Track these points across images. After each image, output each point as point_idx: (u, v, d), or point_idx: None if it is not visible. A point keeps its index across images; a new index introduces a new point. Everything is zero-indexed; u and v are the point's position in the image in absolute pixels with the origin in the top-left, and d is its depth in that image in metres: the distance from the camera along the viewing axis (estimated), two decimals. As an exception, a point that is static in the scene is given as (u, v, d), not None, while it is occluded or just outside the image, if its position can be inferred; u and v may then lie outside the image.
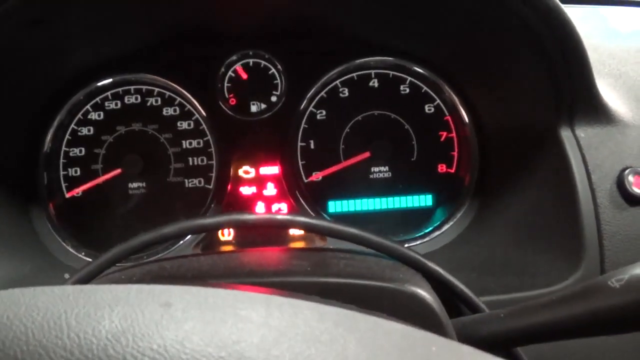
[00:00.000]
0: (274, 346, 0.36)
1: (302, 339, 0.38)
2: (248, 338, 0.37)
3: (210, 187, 1.35)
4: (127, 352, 0.35)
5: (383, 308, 0.70)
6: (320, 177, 1.37)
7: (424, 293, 0.74)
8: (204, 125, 1.36)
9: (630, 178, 1.05)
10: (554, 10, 1.01)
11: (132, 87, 1.35)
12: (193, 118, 1.36)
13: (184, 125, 1.35)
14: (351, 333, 0.40)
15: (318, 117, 1.37)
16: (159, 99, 1.36)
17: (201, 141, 1.36)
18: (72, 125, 1.34)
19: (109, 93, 1.35)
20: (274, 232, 1.30)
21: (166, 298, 0.40)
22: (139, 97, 1.35)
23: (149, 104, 1.35)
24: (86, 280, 0.80)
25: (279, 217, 0.89)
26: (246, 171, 1.35)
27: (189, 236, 1.31)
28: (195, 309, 0.40)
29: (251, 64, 1.37)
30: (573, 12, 1.04)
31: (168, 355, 0.34)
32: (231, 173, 1.36)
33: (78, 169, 1.34)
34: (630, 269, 0.66)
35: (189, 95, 1.35)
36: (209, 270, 0.79)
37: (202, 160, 1.35)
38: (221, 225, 0.86)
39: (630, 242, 1.04)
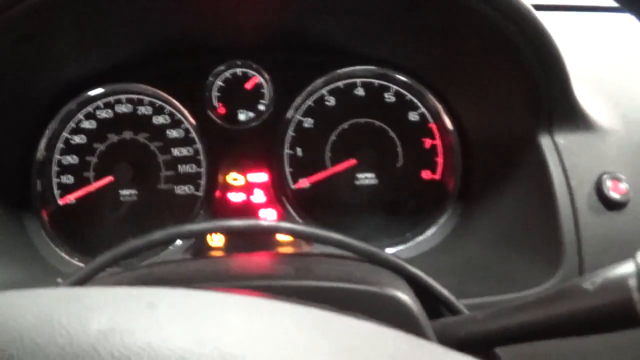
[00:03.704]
0: (253, 343, 0.38)
1: (279, 338, 0.40)
2: (228, 336, 0.39)
3: (200, 194, 1.38)
4: (115, 348, 0.37)
5: (364, 310, 0.72)
6: (307, 184, 1.39)
7: (404, 296, 0.76)
8: (193, 134, 1.38)
9: (608, 183, 1.08)
10: (530, 20, 1.03)
11: (123, 96, 1.38)
12: (183, 126, 1.38)
13: (173, 133, 1.38)
14: (325, 332, 0.42)
15: (305, 125, 1.40)
16: (150, 108, 1.38)
17: (191, 149, 1.38)
18: (65, 134, 1.36)
19: (100, 102, 1.37)
20: (262, 238, 1.32)
21: (151, 299, 0.43)
22: (130, 106, 1.38)
23: (139, 112, 1.38)
24: (77, 284, 0.82)
25: (265, 223, 0.91)
26: (235, 178, 1.38)
27: (178, 242, 1.33)
28: (178, 310, 0.42)
29: (239, 73, 1.39)
30: (551, 19, 1.06)
31: (153, 352, 0.37)
32: (220, 180, 1.38)
33: (71, 177, 1.36)
34: (604, 272, 0.68)
35: (178, 105, 1.38)
36: (196, 275, 0.81)
37: (192, 168, 1.38)
38: (209, 231, 0.89)
39: (608, 246, 1.06)
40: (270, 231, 0.90)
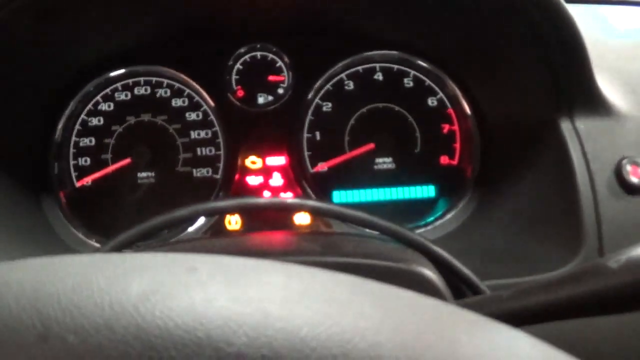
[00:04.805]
0: (296, 304, 0.39)
1: (321, 299, 0.40)
2: (271, 297, 0.39)
3: (218, 177, 1.37)
4: (157, 308, 0.37)
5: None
6: (325, 168, 1.39)
7: (430, 273, 0.76)
8: (212, 116, 1.38)
9: (628, 167, 1.08)
10: (555, 5, 1.03)
11: (142, 79, 1.38)
12: (201, 109, 1.38)
13: (192, 116, 1.38)
14: (366, 295, 0.42)
15: (324, 109, 1.40)
16: (168, 90, 1.38)
17: (209, 132, 1.38)
18: (82, 116, 1.36)
19: (119, 84, 1.37)
20: (281, 219, 1.32)
21: (191, 264, 0.43)
22: (148, 88, 1.38)
23: (158, 95, 1.38)
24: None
25: (289, 200, 0.91)
26: (253, 161, 1.38)
27: (196, 224, 1.33)
28: (219, 273, 0.42)
29: (259, 56, 1.39)
30: (573, 10, 1.06)
31: (196, 312, 0.37)
32: (238, 163, 1.38)
33: (88, 159, 1.36)
34: (628, 250, 0.68)
35: (197, 87, 1.38)
36: (222, 252, 0.81)
37: (210, 151, 1.38)
38: (233, 208, 0.89)
39: (628, 229, 1.06)
40: (295, 208, 0.90)
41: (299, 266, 0.46)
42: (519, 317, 0.77)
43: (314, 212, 0.91)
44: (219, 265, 0.44)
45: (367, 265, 0.76)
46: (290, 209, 0.90)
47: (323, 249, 0.81)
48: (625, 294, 0.66)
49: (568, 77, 1.11)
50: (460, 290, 0.90)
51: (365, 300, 0.41)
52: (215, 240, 0.88)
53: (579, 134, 1.12)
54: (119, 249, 0.84)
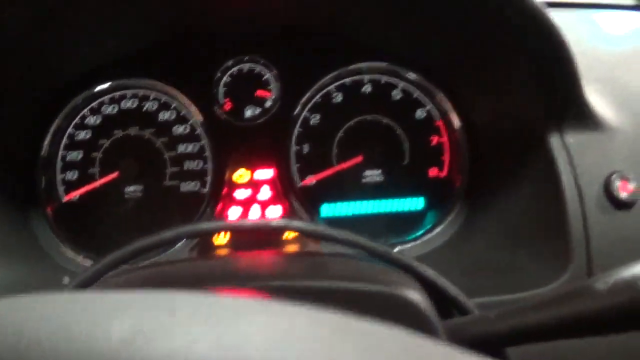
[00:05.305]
0: (278, 349, 0.38)
1: (302, 342, 0.40)
2: (253, 341, 0.39)
3: (206, 190, 1.37)
4: (137, 355, 0.36)
5: (375, 310, 0.72)
6: (314, 181, 1.38)
7: (415, 295, 0.76)
8: (199, 130, 1.37)
9: (617, 182, 1.08)
10: (542, 17, 1.03)
11: (128, 92, 1.37)
12: (189, 122, 1.37)
13: (179, 129, 1.37)
14: (347, 335, 0.42)
15: (312, 121, 1.39)
16: (155, 104, 1.37)
17: (197, 145, 1.37)
18: (70, 129, 1.35)
19: (106, 97, 1.36)
20: (268, 236, 1.32)
21: (172, 304, 0.43)
22: (135, 101, 1.37)
23: (145, 108, 1.37)
24: (85, 285, 0.82)
25: (274, 222, 0.91)
26: (241, 175, 1.37)
27: (183, 240, 1.32)
28: (200, 315, 0.42)
29: (246, 69, 1.39)
30: (562, 17, 1.06)
31: (176, 358, 0.36)
32: (226, 177, 1.37)
33: (75, 173, 1.35)
34: (615, 272, 0.68)
35: (185, 100, 1.37)
36: (208, 275, 0.81)
37: (198, 165, 1.37)
38: (217, 231, 0.89)
39: (617, 245, 1.06)
40: (280, 230, 0.90)
41: (280, 304, 0.46)
42: (506, 338, 0.77)
43: (300, 233, 0.91)
44: (199, 306, 0.43)
45: (352, 289, 0.76)
46: (275, 230, 0.90)
47: (308, 272, 0.81)
48: (612, 316, 0.66)
49: (557, 91, 1.11)
50: (448, 309, 0.90)
51: (348, 344, 0.41)
52: (201, 262, 0.88)
53: (568, 148, 1.12)
54: (100, 275, 0.83)
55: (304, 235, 0.98)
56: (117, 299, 0.44)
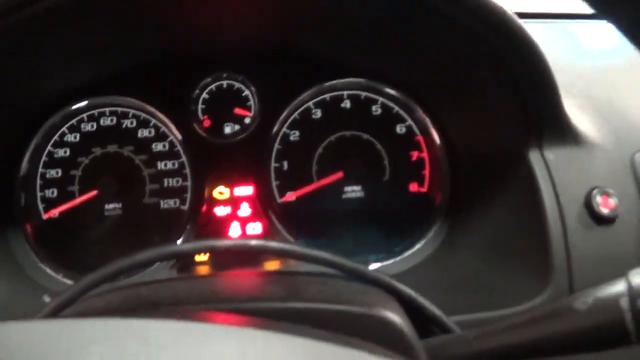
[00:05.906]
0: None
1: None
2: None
3: (186, 207, 1.36)
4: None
5: (354, 331, 0.71)
6: (294, 198, 1.38)
7: (394, 316, 0.75)
8: (178, 147, 1.37)
9: (598, 198, 1.08)
10: (517, 33, 1.03)
11: (107, 109, 1.37)
12: (168, 140, 1.37)
13: (159, 146, 1.37)
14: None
15: (291, 138, 1.39)
16: (134, 121, 1.37)
17: (176, 162, 1.37)
18: (49, 147, 1.35)
19: (84, 115, 1.36)
20: (248, 254, 1.31)
21: (144, 334, 0.42)
22: (114, 119, 1.37)
23: (124, 125, 1.37)
24: (63, 307, 0.81)
25: (252, 242, 0.90)
26: (221, 192, 1.36)
27: (163, 259, 1.32)
28: (172, 345, 0.41)
29: (225, 85, 1.38)
30: (541, 30, 1.06)
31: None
32: (206, 194, 1.37)
33: (55, 191, 1.35)
34: (594, 290, 0.68)
35: (163, 117, 1.37)
36: (185, 297, 0.80)
37: (177, 182, 1.36)
38: (195, 252, 0.88)
39: (598, 261, 1.06)
40: (258, 251, 0.89)
41: (253, 331, 0.45)
42: (486, 358, 0.76)
43: (277, 254, 0.90)
44: (171, 334, 0.43)
45: (330, 310, 0.75)
46: (253, 251, 0.89)
47: (287, 294, 0.80)
48: (593, 335, 0.66)
49: (536, 107, 1.10)
50: (428, 328, 0.90)
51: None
52: (180, 283, 0.87)
53: (548, 164, 1.11)
54: (78, 296, 0.82)
55: (282, 256, 0.98)
56: (91, 326, 0.43)
